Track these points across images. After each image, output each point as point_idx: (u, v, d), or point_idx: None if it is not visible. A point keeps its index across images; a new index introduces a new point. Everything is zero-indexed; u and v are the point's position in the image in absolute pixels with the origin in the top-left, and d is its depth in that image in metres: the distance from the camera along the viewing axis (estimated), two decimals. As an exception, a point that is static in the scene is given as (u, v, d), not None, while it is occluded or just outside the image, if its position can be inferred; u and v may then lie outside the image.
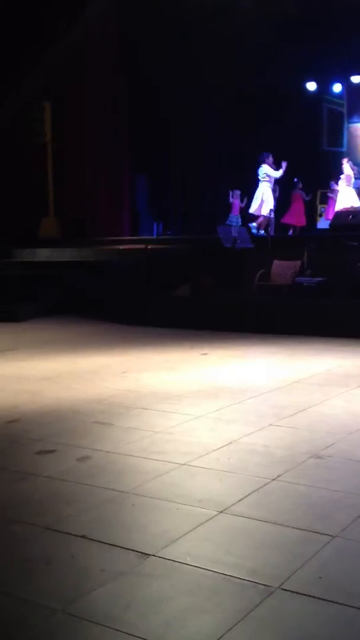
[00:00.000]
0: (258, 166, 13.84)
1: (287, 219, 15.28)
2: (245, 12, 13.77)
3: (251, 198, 14.26)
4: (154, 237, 15.04)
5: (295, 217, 15.26)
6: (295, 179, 15.21)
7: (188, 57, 14.18)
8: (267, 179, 13.75)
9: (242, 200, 14.82)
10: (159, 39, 14.18)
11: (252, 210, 14.09)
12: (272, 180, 13.83)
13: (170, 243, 13.80)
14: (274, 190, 13.95)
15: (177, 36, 14.18)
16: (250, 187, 14.53)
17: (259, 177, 13.84)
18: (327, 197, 15.40)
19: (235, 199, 14.91)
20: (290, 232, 15.20)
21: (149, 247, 12.29)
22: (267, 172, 13.73)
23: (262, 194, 13.82)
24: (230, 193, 14.93)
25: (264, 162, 13.71)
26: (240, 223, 14.93)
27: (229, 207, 14.92)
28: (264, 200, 13.84)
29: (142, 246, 12.30)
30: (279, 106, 15.25)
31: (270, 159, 13.80)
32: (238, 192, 14.95)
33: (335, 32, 14.06)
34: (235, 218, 14.92)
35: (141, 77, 15.04)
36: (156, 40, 14.19)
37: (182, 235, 15.73)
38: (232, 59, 14.19)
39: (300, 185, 15.31)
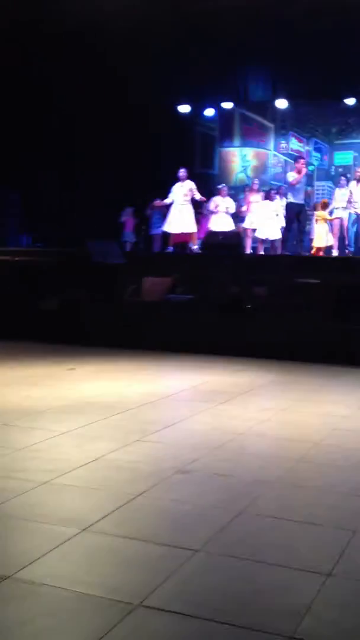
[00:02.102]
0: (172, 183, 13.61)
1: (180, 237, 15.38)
2: (118, 32, 13.85)
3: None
4: (23, 248, 14.67)
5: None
6: None
7: (64, 77, 14.03)
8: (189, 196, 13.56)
9: (135, 217, 14.92)
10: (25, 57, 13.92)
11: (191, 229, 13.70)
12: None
13: (39, 255, 13.51)
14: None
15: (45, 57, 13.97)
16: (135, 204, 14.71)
17: (183, 194, 13.30)
18: (201, 216, 15.65)
19: (127, 217, 14.97)
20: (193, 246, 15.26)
21: (16, 258, 11.96)
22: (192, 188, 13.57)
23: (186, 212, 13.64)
24: (123, 212, 14.97)
25: (186, 179, 13.52)
26: (135, 240, 14.96)
27: (121, 225, 14.95)
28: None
29: (8, 258, 11.93)
30: (153, 127, 15.42)
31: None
32: (130, 210, 15.00)
33: (209, 58, 14.48)
34: (129, 235, 14.96)
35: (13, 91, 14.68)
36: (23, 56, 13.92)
37: (53, 247, 15.46)
38: (106, 77, 14.26)
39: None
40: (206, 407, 5.84)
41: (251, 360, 8.43)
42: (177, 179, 13.28)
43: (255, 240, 14.31)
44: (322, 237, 13.20)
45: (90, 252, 11.85)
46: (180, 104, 16.09)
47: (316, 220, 13.52)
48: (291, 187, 12.96)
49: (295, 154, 16.29)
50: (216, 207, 14.09)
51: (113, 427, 5.12)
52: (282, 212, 13.67)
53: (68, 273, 11.18)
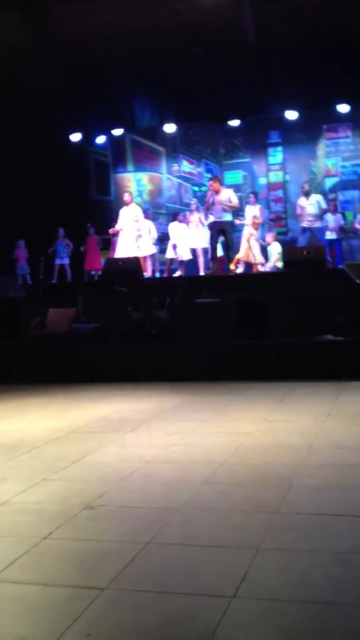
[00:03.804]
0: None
1: (89, 265, 15.33)
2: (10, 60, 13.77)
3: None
4: None
5: (98, 261, 15.31)
6: (88, 224, 15.36)
7: None
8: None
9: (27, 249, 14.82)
10: None
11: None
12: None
13: None
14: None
15: None
16: (30, 236, 14.59)
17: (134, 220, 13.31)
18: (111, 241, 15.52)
19: (20, 250, 14.81)
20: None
21: None
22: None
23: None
24: (16, 245, 14.81)
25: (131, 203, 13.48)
26: (28, 271, 14.81)
27: (13, 260, 14.78)
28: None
29: None
30: (45, 156, 15.35)
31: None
32: (22, 243, 14.86)
33: (100, 86, 14.62)
34: (24, 268, 14.80)
35: None
36: None
37: None
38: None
39: (93, 231, 15.44)
40: (114, 437, 5.85)
41: (159, 384, 8.52)
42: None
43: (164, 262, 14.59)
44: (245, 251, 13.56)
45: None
46: (72, 132, 16.12)
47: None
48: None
49: (187, 176, 16.64)
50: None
51: (19, 467, 5.05)
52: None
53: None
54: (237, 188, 16.28)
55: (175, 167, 17.52)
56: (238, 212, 14.05)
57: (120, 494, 4.29)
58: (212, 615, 2.72)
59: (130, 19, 13.46)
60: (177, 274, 14.12)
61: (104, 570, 3.15)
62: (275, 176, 16.89)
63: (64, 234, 15.19)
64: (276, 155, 16.87)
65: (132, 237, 13.21)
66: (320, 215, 13.74)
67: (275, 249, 14.17)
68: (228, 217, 12.59)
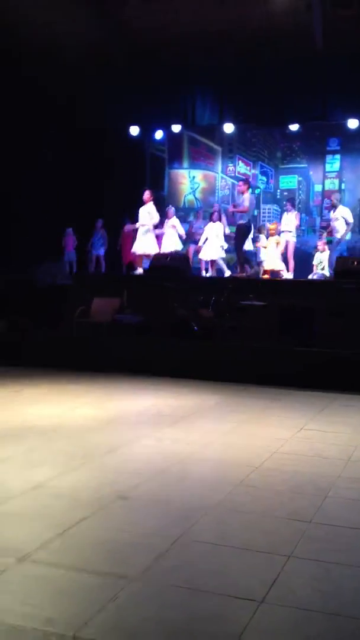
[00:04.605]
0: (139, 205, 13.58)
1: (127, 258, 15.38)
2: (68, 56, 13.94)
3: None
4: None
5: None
6: (126, 217, 15.33)
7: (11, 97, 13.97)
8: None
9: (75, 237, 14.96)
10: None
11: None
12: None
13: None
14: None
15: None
16: (79, 225, 14.70)
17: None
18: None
19: (68, 237, 14.98)
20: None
21: None
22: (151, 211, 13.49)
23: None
24: (64, 232, 14.97)
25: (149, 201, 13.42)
26: (75, 259, 14.95)
27: (61, 247, 14.93)
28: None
29: None
30: (105, 148, 15.47)
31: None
32: (70, 230, 15.01)
33: (162, 82, 14.68)
34: (71, 254, 14.96)
35: None
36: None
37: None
38: (59, 100, 14.31)
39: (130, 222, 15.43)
40: (151, 431, 5.87)
41: (200, 382, 8.51)
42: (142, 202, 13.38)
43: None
44: (272, 260, 13.47)
45: (37, 275, 11.81)
46: (131, 125, 16.20)
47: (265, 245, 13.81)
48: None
49: (242, 177, 16.56)
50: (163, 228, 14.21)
51: (55, 452, 5.11)
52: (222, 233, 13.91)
53: (15, 297, 11.11)
54: (291, 193, 16.20)
55: (231, 167, 17.45)
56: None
57: (154, 487, 4.30)
58: (240, 617, 2.70)
59: (201, 19, 13.49)
60: (208, 274, 14.03)
61: (134, 562, 3.16)
62: (331, 184, 16.69)
63: (102, 224, 15.25)
64: (334, 163, 16.66)
65: (149, 234, 13.25)
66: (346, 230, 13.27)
67: (325, 257, 14.01)
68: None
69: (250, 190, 13.07)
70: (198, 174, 17.82)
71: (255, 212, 17.06)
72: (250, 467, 4.76)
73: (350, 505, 4.09)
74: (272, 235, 13.69)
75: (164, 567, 3.13)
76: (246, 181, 13.34)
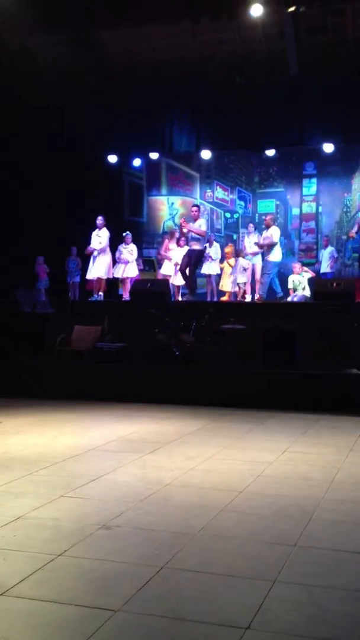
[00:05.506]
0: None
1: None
2: (51, 83, 14.06)
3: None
4: None
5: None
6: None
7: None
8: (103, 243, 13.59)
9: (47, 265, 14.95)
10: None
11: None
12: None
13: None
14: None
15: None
16: (52, 252, 14.68)
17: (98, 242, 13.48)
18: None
19: (40, 265, 14.98)
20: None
21: None
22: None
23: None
24: (35, 261, 14.96)
25: (103, 227, 13.55)
26: (48, 286, 14.93)
27: (35, 275, 14.90)
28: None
29: None
30: (83, 175, 15.51)
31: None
32: (41, 259, 15.01)
33: (139, 109, 14.84)
34: (44, 282, 14.94)
35: None
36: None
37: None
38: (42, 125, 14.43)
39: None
40: (133, 458, 5.83)
41: (181, 407, 8.49)
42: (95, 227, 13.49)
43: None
44: (226, 282, 13.92)
45: (20, 301, 11.77)
46: (109, 153, 16.29)
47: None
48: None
49: (220, 202, 16.72)
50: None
51: (37, 482, 5.04)
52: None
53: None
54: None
55: (209, 192, 17.62)
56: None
57: (137, 515, 4.26)
58: (225, 645, 2.66)
59: (174, 46, 13.70)
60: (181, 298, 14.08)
61: (118, 592, 3.12)
62: (309, 207, 16.90)
63: (76, 252, 15.23)
64: (310, 187, 16.89)
65: (101, 257, 13.43)
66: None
67: (304, 279, 14.13)
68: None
69: (205, 217, 13.00)
70: (177, 200, 17.97)
71: (235, 237, 17.24)
72: (233, 492, 4.73)
73: (335, 527, 4.08)
74: (228, 258, 14.19)
75: (148, 597, 3.09)
76: (198, 207, 13.27)
